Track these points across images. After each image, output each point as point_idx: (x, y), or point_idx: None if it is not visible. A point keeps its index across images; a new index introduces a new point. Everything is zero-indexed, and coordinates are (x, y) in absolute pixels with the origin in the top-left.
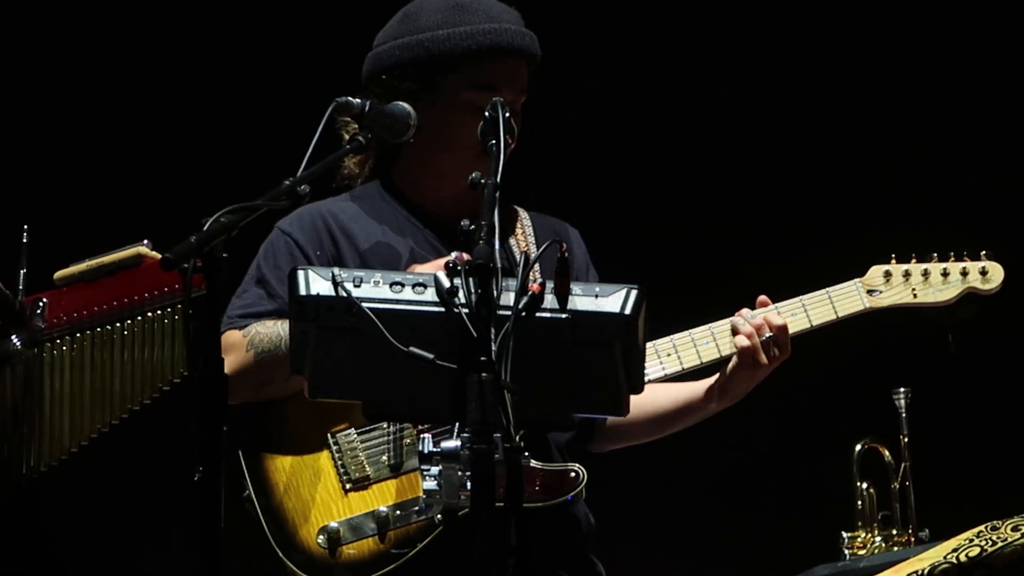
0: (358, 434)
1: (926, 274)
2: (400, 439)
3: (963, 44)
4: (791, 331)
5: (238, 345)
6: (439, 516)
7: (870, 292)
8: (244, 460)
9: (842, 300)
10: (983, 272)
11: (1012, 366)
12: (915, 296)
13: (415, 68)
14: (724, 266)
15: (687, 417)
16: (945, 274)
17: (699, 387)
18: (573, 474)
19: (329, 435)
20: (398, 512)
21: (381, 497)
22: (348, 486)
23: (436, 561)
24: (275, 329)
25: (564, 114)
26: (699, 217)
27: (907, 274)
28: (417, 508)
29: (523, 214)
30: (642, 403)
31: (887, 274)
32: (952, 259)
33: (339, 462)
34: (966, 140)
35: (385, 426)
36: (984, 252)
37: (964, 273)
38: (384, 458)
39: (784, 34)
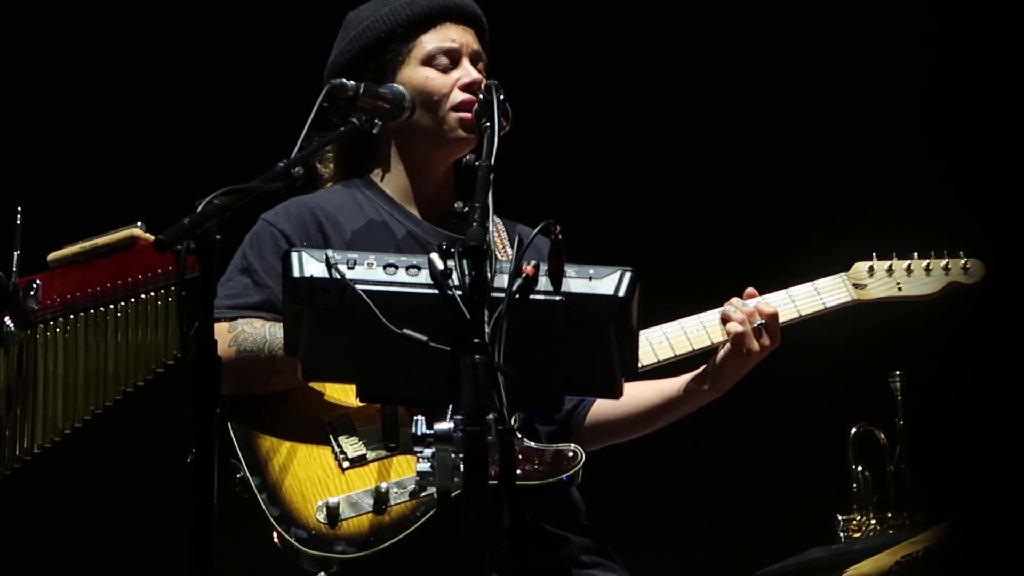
0: (353, 415)
1: (909, 269)
2: (395, 419)
3: (950, 43)
4: (781, 320)
5: (222, 338)
6: (434, 495)
7: (856, 285)
8: (236, 440)
9: (828, 292)
10: (965, 268)
11: (1008, 351)
12: (900, 289)
13: (358, 66)
14: (707, 262)
15: (671, 411)
16: (927, 269)
17: (683, 380)
18: (572, 453)
19: (323, 417)
20: (397, 489)
21: (380, 475)
22: (346, 464)
23: (436, 536)
24: (261, 331)
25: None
26: (681, 213)
27: (890, 269)
28: (416, 485)
29: (496, 220)
30: (625, 400)
31: (871, 269)
32: (932, 257)
33: (335, 442)
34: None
35: (379, 406)
36: (961, 252)
37: (947, 268)
38: (381, 438)
39: (772, 28)
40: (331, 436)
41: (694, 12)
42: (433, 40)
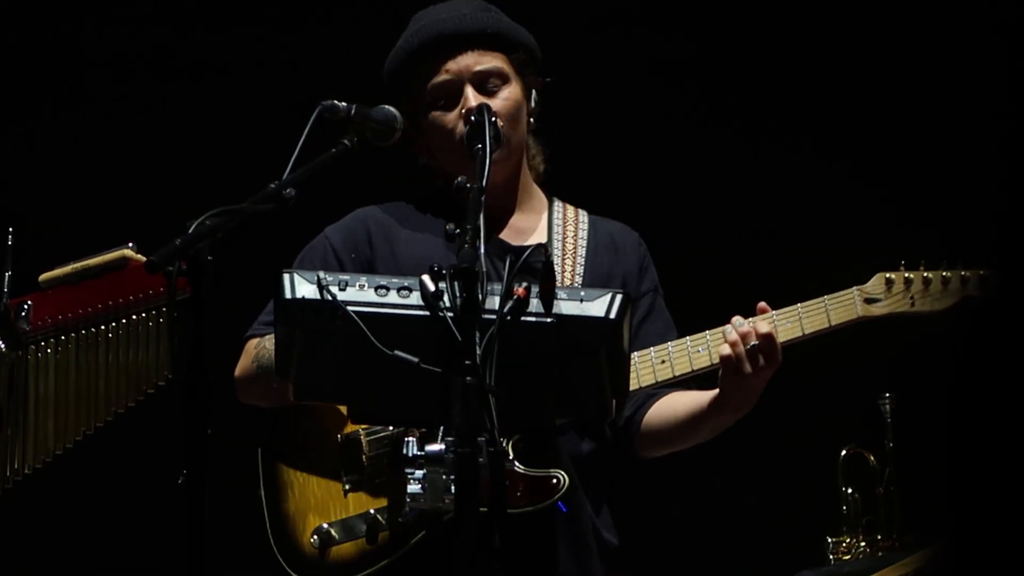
0: (365, 435)
1: (927, 282)
2: (403, 440)
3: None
4: (783, 339)
5: (248, 352)
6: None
7: (868, 301)
8: (261, 461)
9: (837, 308)
10: (983, 280)
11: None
12: (912, 305)
13: (390, 95)
14: (733, 272)
15: (703, 424)
16: (946, 282)
17: (711, 394)
18: (555, 480)
19: (339, 436)
20: (387, 515)
21: (376, 498)
22: (348, 487)
23: (424, 562)
24: None
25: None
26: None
27: (909, 282)
28: (406, 510)
29: (582, 216)
30: (668, 407)
31: (889, 282)
32: (960, 267)
33: (343, 463)
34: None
35: (391, 429)
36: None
37: (964, 281)
38: (385, 460)
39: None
40: (341, 456)
41: (708, 32)
42: (431, 80)
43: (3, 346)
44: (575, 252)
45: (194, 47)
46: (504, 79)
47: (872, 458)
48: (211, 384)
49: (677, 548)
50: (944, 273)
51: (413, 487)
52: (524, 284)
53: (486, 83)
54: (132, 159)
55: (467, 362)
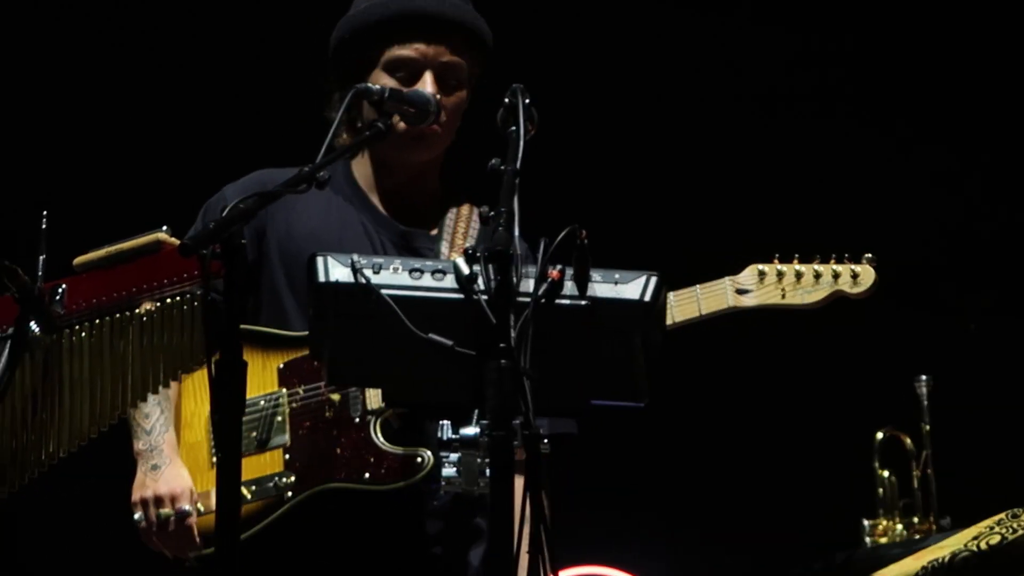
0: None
1: (799, 275)
2: (272, 416)
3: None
4: None
5: None
6: (288, 494)
7: (740, 291)
8: None
9: (708, 298)
10: (854, 275)
11: None
12: (783, 297)
13: (339, 60)
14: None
15: None
16: (817, 276)
17: None
18: (419, 459)
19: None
20: (253, 487)
21: (242, 472)
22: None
23: (282, 539)
24: None
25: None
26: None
27: (780, 274)
28: (272, 484)
29: (475, 213)
30: None
31: (761, 273)
32: (833, 261)
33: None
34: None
35: (262, 403)
36: (867, 256)
37: (835, 275)
38: (254, 434)
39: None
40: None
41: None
42: (396, 49)
43: (37, 330)
44: (462, 246)
45: (227, 30)
46: (461, 81)
47: (908, 441)
48: (245, 367)
49: (714, 529)
50: (816, 267)
51: (448, 470)
52: (559, 267)
53: (447, 77)
54: (166, 143)
55: (502, 345)
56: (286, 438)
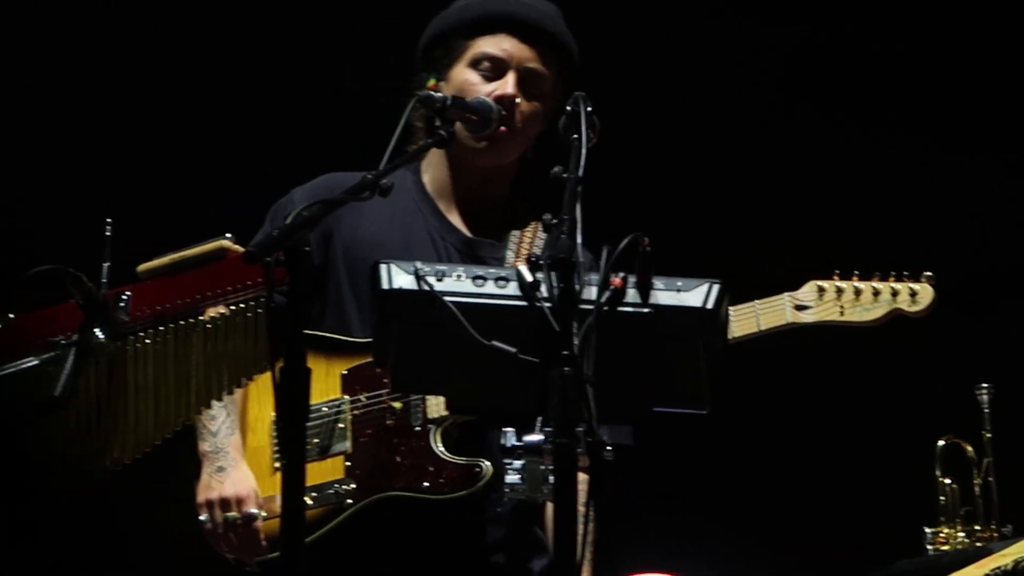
0: None
1: (858, 292)
2: (334, 423)
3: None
4: None
5: None
6: (348, 501)
7: (799, 307)
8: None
9: (767, 313)
10: (912, 293)
11: None
12: (842, 314)
13: (427, 56)
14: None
15: None
16: (876, 293)
17: None
18: (478, 469)
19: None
20: (314, 494)
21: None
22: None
23: (343, 546)
24: None
25: (637, 116)
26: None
27: (840, 291)
28: (333, 491)
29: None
30: None
31: (821, 290)
32: (892, 278)
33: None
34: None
35: (324, 409)
36: (926, 274)
37: (894, 293)
38: (316, 441)
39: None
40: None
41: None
42: (485, 45)
43: (102, 337)
44: (527, 255)
45: (287, 36)
46: (542, 92)
47: (970, 448)
48: (308, 374)
49: (774, 538)
50: (875, 284)
51: (512, 477)
52: (621, 274)
53: (529, 83)
54: (230, 151)
55: (565, 352)
56: (347, 445)
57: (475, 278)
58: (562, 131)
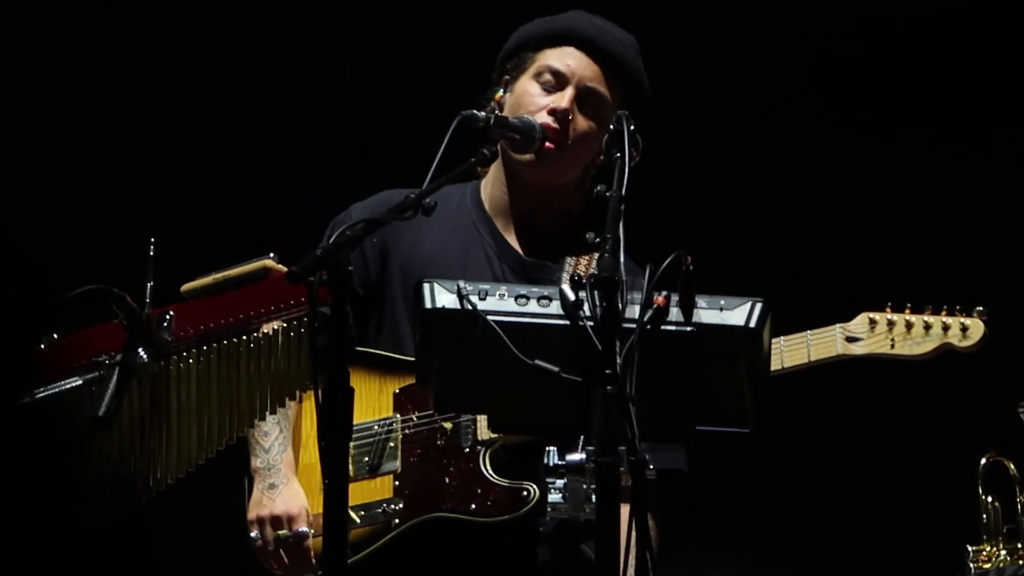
0: (353, 432)
1: (909, 325)
2: (385, 441)
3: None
4: None
5: None
6: (396, 521)
7: (849, 339)
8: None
9: (818, 344)
10: (963, 328)
11: None
12: (892, 347)
13: (500, 69)
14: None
15: None
16: (927, 327)
17: None
18: (525, 493)
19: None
20: (362, 512)
21: (352, 496)
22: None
23: (390, 565)
24: None
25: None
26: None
27: (891, 324)
28: (381, 510)
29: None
30: None
31: (872, 322)
32: (944, 312)
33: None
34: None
35: (375, 428)
36: (978, 309)
37: (945, 328)
38: (366, 459)
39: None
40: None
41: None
42: (550, 58)
43: (145, 357)
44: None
45: (334, 58)
46: (601, 113)
47: (1012, 466)
48: (351, 393)
49: (820, 555)
50: (926, 318)
51: (554, 496)
52: (664, 293)
53: (588, 102)
54: (273, 171)
55: (607, 371)
56: (397, 464)
57: (518, 297)
58: (605, 149)
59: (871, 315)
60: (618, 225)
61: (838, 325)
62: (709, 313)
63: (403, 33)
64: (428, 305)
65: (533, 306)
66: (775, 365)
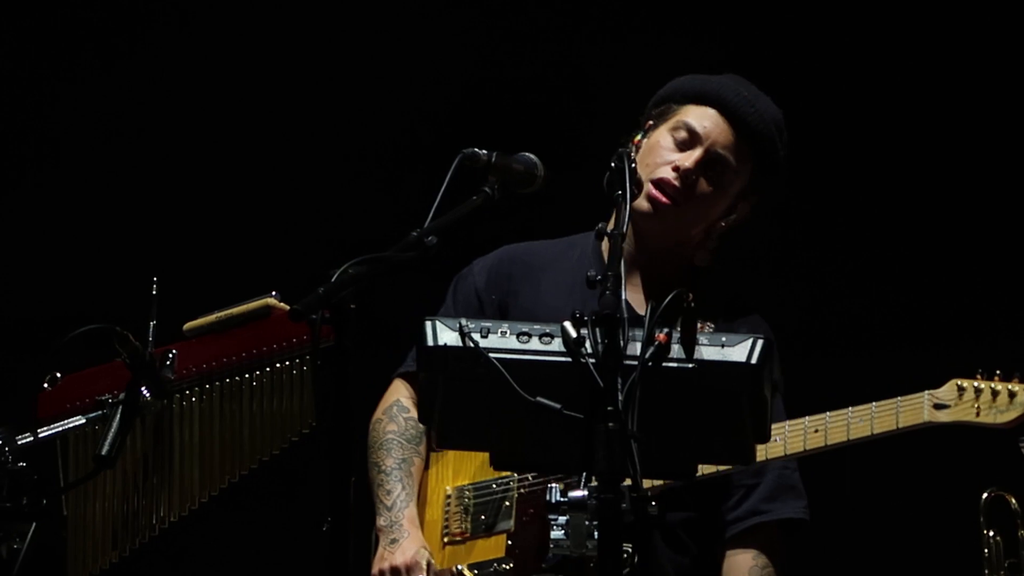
0: (473, 490)
1: (995, 393)
2: (501, 500)
3: None
4: (853, 436)
5: (386, 398)
6: None
7: (937, 406)
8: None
9: (906, 411)
10: None
11: None
12: (977, 415)
13: (645, 115)
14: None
15: None
16: (1012, 395)
17: None
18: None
19: (448, 487)
20: (476, 571)
21: (467, 555)
22: (446, 539)
23: None
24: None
25: None
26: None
27: (978, 391)
28: (493, 569)
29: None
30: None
31: (960, 389)
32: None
33: (446, 515)
34: None
35: (494, 486)
36: None
37: None
38: (483, 517)
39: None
40: (445, 508)
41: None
42: (690, 115)
43: (148, 395)
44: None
45: (333, 97)
46: (725, 184)
47: (1014, 501)
48: (355, 432)
49: None
50: (1011, 386)
51: (556, 533)
52: (665, 330)
53: (714, 167)
54: (275, 209)
55: (609, 408)
56: (511, 524)
57: (520, 335)
58: (606, 187)
59: (960, 382)
60: (619, 263)
61: (927, 392)
62: (710, 350)
63: (406, 46)
64: (430, 343)
65: (535, 343)
66: (864, 432)
